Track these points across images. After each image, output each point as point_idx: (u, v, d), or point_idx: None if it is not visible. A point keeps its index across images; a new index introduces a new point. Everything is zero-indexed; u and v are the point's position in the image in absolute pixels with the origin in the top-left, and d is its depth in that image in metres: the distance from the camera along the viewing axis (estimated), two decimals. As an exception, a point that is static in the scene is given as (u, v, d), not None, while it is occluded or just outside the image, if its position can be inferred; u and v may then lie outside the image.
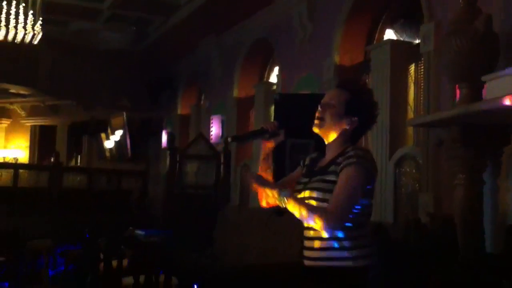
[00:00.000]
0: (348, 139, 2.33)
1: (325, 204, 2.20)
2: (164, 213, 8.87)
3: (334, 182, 2.23)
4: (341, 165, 2.21)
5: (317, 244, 2.26)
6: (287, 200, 2.19)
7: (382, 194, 5.61)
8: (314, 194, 2.27)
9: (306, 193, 2.31)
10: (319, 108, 2.36)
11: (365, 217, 2.27)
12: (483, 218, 3.85)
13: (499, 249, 3.74)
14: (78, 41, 11.53)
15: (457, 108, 3.71)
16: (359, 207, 2.22)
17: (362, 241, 2.23)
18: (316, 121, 2.34)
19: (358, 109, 2.31)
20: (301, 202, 2.20)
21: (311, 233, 2.28)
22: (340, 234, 2.20)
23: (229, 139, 2.60)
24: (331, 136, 2.35)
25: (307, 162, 2.49)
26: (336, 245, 2.20)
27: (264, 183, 2.28)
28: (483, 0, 3.96)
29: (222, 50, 9.99)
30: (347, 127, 2.31)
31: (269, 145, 2.46)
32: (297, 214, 2.19)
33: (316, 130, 2.36)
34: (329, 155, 2.35)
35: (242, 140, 2.92)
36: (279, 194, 2.20)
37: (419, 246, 3.55)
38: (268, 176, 2.46)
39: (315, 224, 2.15)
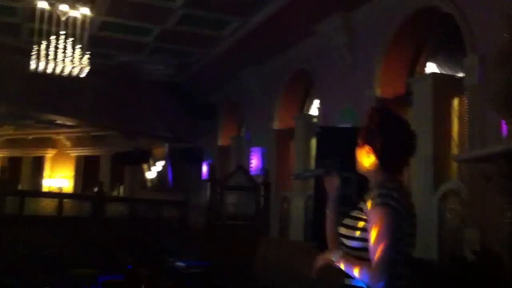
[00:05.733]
0: (379, 172, 2.21)
1: (346, 241, 2.18)
2: (205, 244, 8.90)
3: (356, 218, 2.17)
4: (368, 206, 2.11)
5: None
6: (337, 262, 2.18)
7: (425, 230, 5.49)
8: (342, 231, 2.25)
9: (340, 229, 2.28)
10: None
11: (405, 267, 2.13)
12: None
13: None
14: (123, 73, 11.84)
15: (506, 143, 3.63)
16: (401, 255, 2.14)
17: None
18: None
19: (370, 137, 2.20)
20: (350, 262, 2.14)
21: (349, 281, 2.24)
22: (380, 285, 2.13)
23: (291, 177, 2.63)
24: (364, 172, 2.28)
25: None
26: None
27: (325, 258, 2.27)
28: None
29: (262, 81, 10.09)
30: (368, 160, 2.22)
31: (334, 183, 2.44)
32: (349, 272, 2.16)
33: (357, 170, 2.34)
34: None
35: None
36: (332, 258, 2.20)
37: (466, 285, 3.44)
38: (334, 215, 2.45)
39: (367, 282, 2.07)
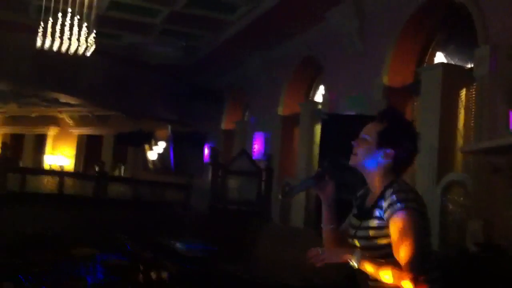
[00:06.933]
0: (387, 172, 2.20)
1: (373, 252, 2.12)
2: (207, 228, 8.88)
3: (378, 228, 2.14)
4: (387, 213, 2.10)
5: None
6: (359, 264, 2.10)
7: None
8: (362, 243, 2.19)
9: (356, 242, 2.23)
10: (353, 143, 2.25)
11: (430, 260, 2.14)
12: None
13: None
14: (130, 54, 11.78)
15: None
16: (427, 250, 2.11)
17: (433, 283, 2.13)
18: (351, 156, 2.24)
19: (393, 141, 2.18)
20: (375, 264, 2.09)
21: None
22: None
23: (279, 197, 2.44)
24: (368, 171, 2.23)
25: (356, 201, 2.36)
26: None
27: (334, 254, 2.19)
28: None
29: (269, 67, 10.03)
30: (383, 161, 2.19)
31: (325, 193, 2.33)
32: (373, 274, 2.10)
33: (352, 164, 2.26)
34: (372, 194, 2.24)
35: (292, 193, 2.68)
36: (351, 260, 2.11)
37: (470, 278, 3.42)
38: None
39: (397, 284, 2.04)
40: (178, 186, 11.90)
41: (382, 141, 2.19)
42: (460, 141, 5.82)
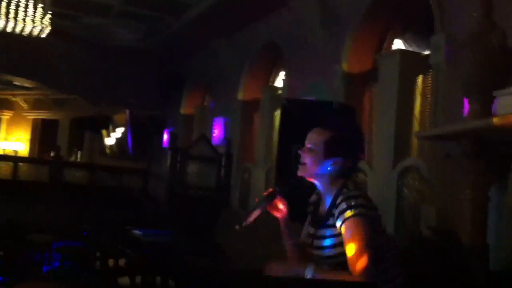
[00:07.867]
0: (337, 178, 2.21)
1: (330, 260, 2.17)
2: (164, 213, 8.82)
3: (332, 236, 2.17)
4: (338, 220, 2.12)
5: None
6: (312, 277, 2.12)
7: (383, 205, 5.55)
8: (318, 252, 2.23)
9: (315, 252, 2.26)
10: (300, 153, 2.25)
11: (390, 254, 2.20)
12: (487, 234, 3.81)
13: (503, 267, 3.69)
14: (88, 36, 11.51)
15: (469, 122, 3.66)
16: (380, 252, 2.13)
17: (392, 281, 2.16)
18: (299, 166, 2.25)
19: (340, 150, 2.19)
20: (329, 276, 2.11)
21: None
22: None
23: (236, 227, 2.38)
24: (317, 180, 2.25)
25: (310, 208, 2.39)
26: None
27: (289, 271, 2.20)
28: (499, 14, 3.91)
29: (230, 51, 9.95)
30: (331, 169, 2.20)
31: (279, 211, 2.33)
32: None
33: (300, 175, 2.27)
34: (324, 201, 2.27)
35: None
36: (306, 275, 2.13)
37: (422, 261, 3.50)
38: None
39: None
40: (136, 171, 11.77)
41: (329, 151, 2.19)
42: (416, 127, 5.92)
